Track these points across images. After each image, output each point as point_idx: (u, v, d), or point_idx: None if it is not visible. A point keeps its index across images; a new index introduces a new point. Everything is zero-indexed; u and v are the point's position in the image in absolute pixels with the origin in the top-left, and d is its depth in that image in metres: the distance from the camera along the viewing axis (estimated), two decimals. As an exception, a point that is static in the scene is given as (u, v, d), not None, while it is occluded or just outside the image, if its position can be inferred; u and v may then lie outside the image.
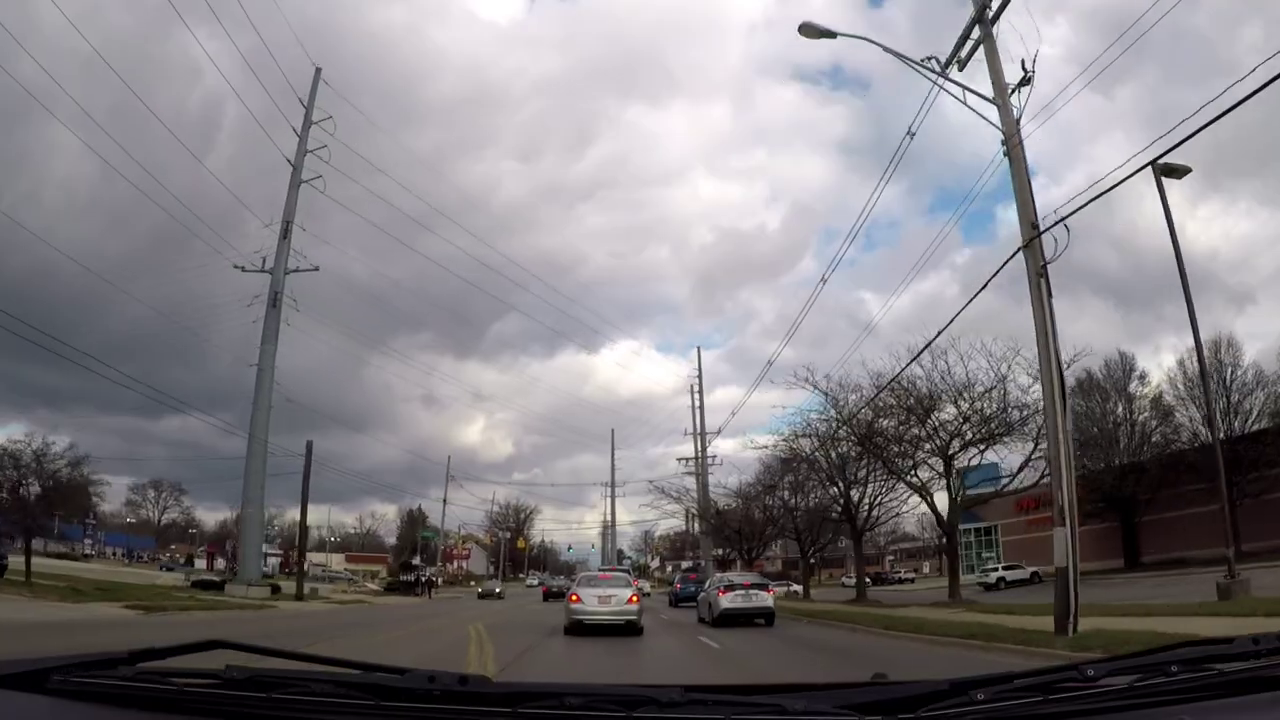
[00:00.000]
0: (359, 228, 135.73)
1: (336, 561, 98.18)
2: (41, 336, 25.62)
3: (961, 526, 62.95)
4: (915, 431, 31.70)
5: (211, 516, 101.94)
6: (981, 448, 31.48)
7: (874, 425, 32.21)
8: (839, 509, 39.96)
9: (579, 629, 17.69)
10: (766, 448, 41.24)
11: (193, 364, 76.23)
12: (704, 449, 57.49)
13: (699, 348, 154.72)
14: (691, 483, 59.09)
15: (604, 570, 29.35)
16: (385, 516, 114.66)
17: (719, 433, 58.40)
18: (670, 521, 78.99)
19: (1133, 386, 48.12)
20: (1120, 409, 46.29)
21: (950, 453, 31.22)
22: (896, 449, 32.61)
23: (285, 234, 38.51)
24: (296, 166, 39.78)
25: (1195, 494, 39.53)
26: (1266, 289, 66.91)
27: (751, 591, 23.59)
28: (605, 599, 18.11)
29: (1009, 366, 29.00)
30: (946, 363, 29.90)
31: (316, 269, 39.84)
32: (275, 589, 38.02)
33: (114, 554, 76.47)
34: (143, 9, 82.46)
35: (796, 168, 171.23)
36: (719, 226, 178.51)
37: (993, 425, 30.43)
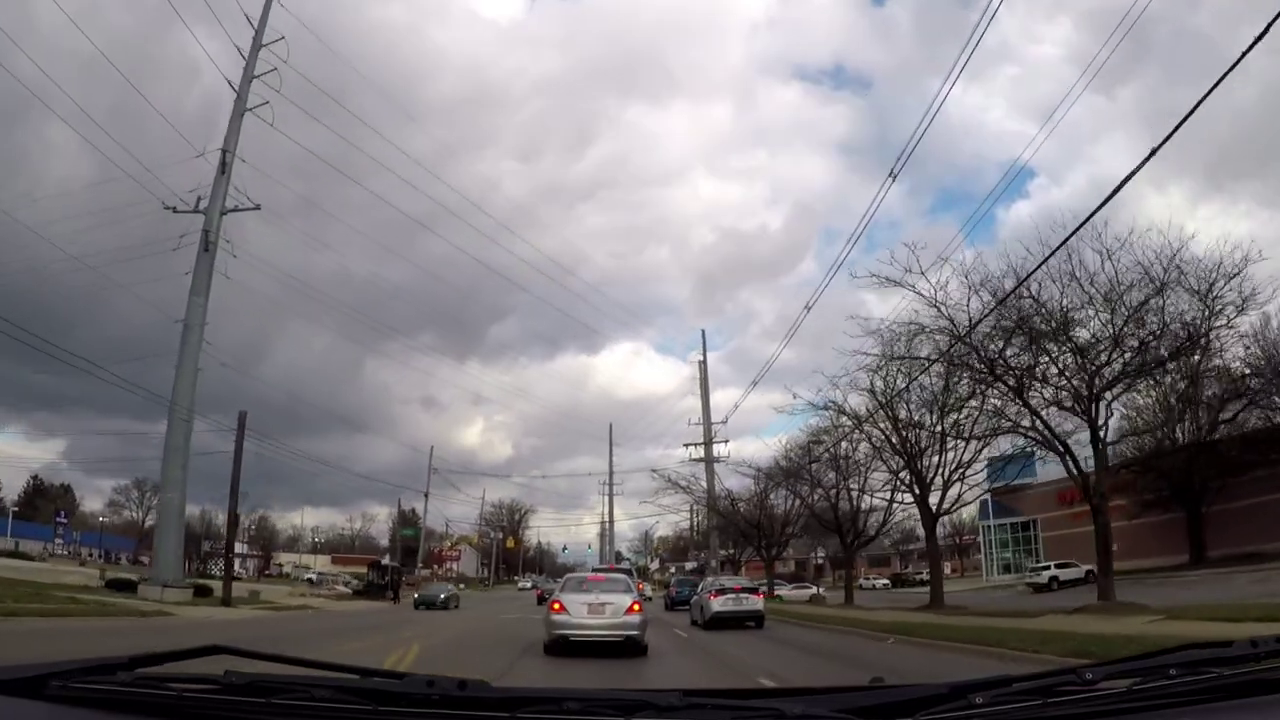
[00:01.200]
0: (359, 227, 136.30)
1: (322, 562, 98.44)
2: (30, 337, 25.45)
3: (995, 522, 62.08)
4: (1062, 358, 23.80)
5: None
6: (1127, 382, 24.41)
7: (1008, 344, 24.18)
8: (905, 485, 33.72)
9: (563, 648, 14.75)
10: (815, 404, 33.36)
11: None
12: (710, 434, 56.13)
13: (703, 330, 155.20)
14: (699, 472, 56.43)
15: (597, 571, 24.09)
16: (377, 517, 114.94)
17: (725, 421, 56.60)
18: (672, 518, 78.39)
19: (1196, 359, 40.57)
20: (1184, 384, 38.20)
21: (1095, 389, 23.14)
22: (1013, 382, 24.52)
23: (223, 168, 34.66)
24: (240, 94, 36.03)
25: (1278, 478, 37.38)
26: (1265, 290, 66.51)
27: (742, 595, 25.71)
28: (597, 608, 14.93)
29: (1176, 262, 21.66)
30: (1109, 260, 21.84)
31: (257, 207, 36.07)
32: (203, 591, 33.37)
33: (90, 554, 76.59)
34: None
35: (797, 168, 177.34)
36: (719, 227, 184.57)
37: (1154, 350, 23.11)
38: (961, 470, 31.52)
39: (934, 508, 32.02)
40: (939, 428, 30.32)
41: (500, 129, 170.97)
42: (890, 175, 22.84)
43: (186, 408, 32.98)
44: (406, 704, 1.63)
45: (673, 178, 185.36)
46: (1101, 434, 24.19)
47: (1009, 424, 27.03)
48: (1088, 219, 17.97)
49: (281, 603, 37.84)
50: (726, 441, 56.52)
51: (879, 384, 30.00)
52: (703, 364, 60.81)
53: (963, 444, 30.45)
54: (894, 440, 31.98)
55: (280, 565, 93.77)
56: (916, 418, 31.19)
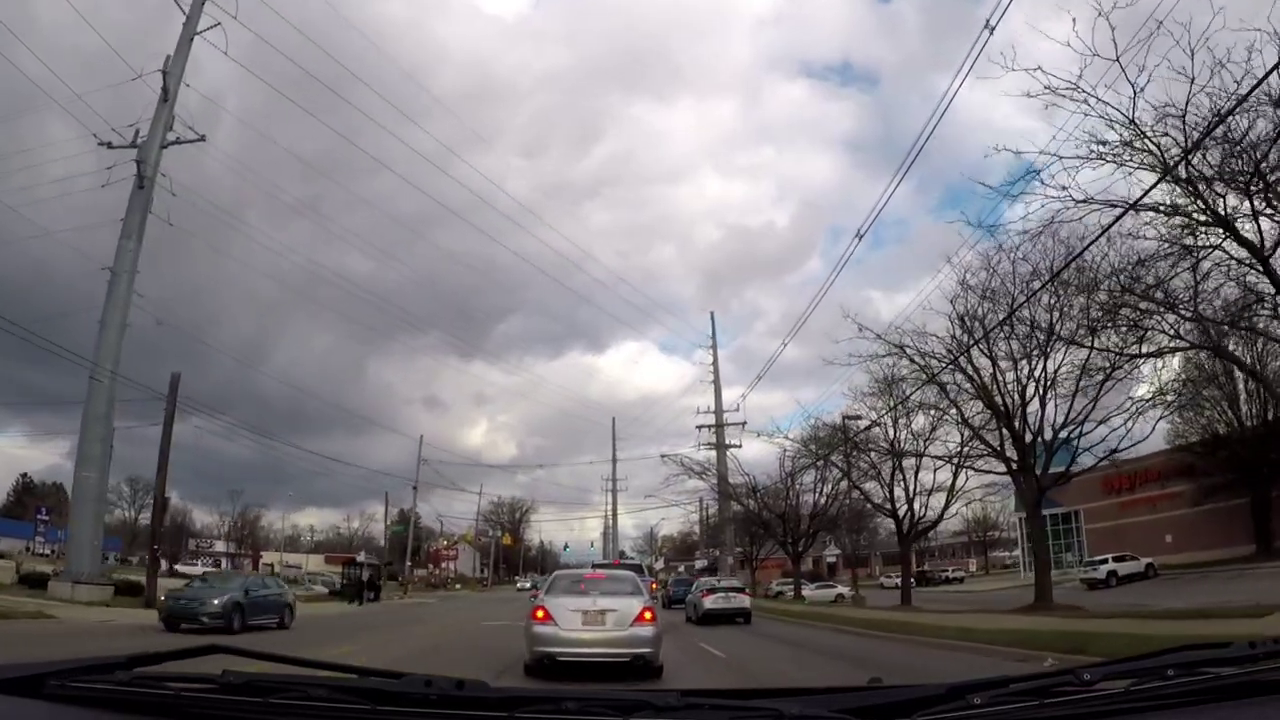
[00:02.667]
0: (360, 224, 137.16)
1: (315, 562, 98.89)
2: (28, 334, 25.05)
3: None
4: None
5: (201, 518, 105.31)
6: None
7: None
8: (991, 451, 28.34)
9: (548, 669, 11.76)
10: (884, 339, 27.73)
11: (196, 366, 76.83)
12: (721, 416, 54.96)
13: (712, 312, 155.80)
14: (714, 458, 54.13)
15: (597, 569, 20.05)
16: (375, 516, 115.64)
17: (738, 408, 55.05)
18: (677, 512, 77.26)
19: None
20: (1248, 356, 32.16)
21: None
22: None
23: (165, 95, 32.06)
24: (191, 15, 33.61)
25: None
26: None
27: (730, 594, 29.87)
28: (595, 616, 11.76)
29: None
30: None
31: (202, 138, 33.44)
32: (131, 589, 29.63)
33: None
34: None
35: (803, 165, 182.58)
36: (725, 224, 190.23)
37: None
38: (1077, 425, 25.51)
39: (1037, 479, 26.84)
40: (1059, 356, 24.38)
41: (504, 125, 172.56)
42: (857, 235, 20.35)
43: (110, 369, 29.28)
44: (404, 703, 1.70)
45: (678, 175, 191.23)
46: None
47: (1179, 340, 21.22)
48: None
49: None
50: (743, 425, 54.21)
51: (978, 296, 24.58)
52: (713, 335, 60.62)
53: (1068, 394, 25.07)
54: (989, 383, 26.09)
55: (271, 566, 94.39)
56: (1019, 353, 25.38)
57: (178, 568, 71.12)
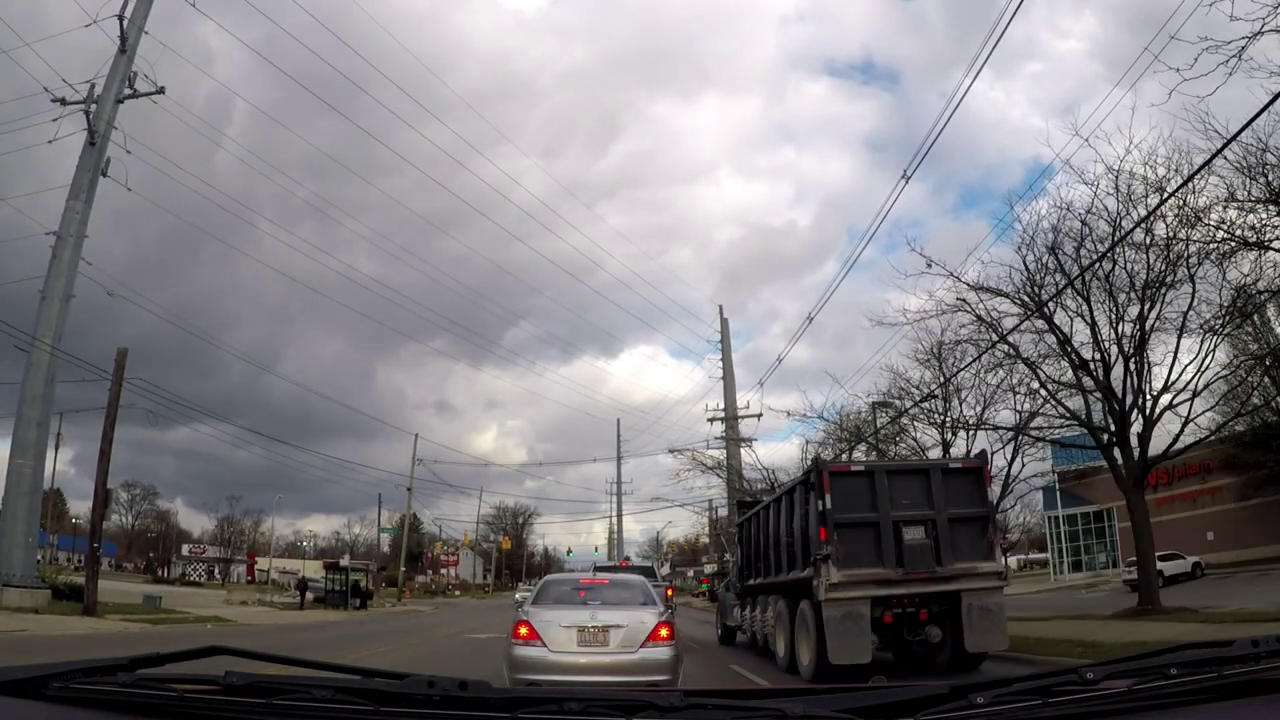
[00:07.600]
0: (371, 227, 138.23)
1: (313, 568, 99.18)
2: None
3: (1065, 511, 57.52)
4: None
5: (202, 524, 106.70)
6: None
7: None
8: (1083, 421, 23.62)
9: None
10: None
11: (203, 373, 77.19)
12: (733, 403, 53.96)
13: (720, 305, 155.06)
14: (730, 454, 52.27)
15: (600, 572, 18.10)
16: (374, 522, 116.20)
17: (748, 405, 53.89)
18: (682, 514, 76.86)
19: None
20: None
21: None
22: None
23: (123, 45, 30.92)
24: None
25: None
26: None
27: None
28: (595, 634, 9.57)
29: None
30: None
31: (161, 90, 32.12)
32: (72, 593, 28.03)
33: (69, 559, 77.84)
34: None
35: (824, 165, 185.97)
36: (744, 224, 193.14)
37: None
38: (1198, 375, 21.11)
39: None
40: None
41: (520, 124, 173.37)
42: (904, 177, 18.56)
43: (50, 343, 27.52)
44: (407, 704, 1.76)
45: (697, 175, 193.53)
46: None
47: None
48: None
49: (187, 612, 31.02)
50: (759, 416, 52.31)
51: None
52: (721, 320, 60.06)
53: None
54: (1074, 338, 21.79)
55: (267, 571, 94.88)
56: None
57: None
